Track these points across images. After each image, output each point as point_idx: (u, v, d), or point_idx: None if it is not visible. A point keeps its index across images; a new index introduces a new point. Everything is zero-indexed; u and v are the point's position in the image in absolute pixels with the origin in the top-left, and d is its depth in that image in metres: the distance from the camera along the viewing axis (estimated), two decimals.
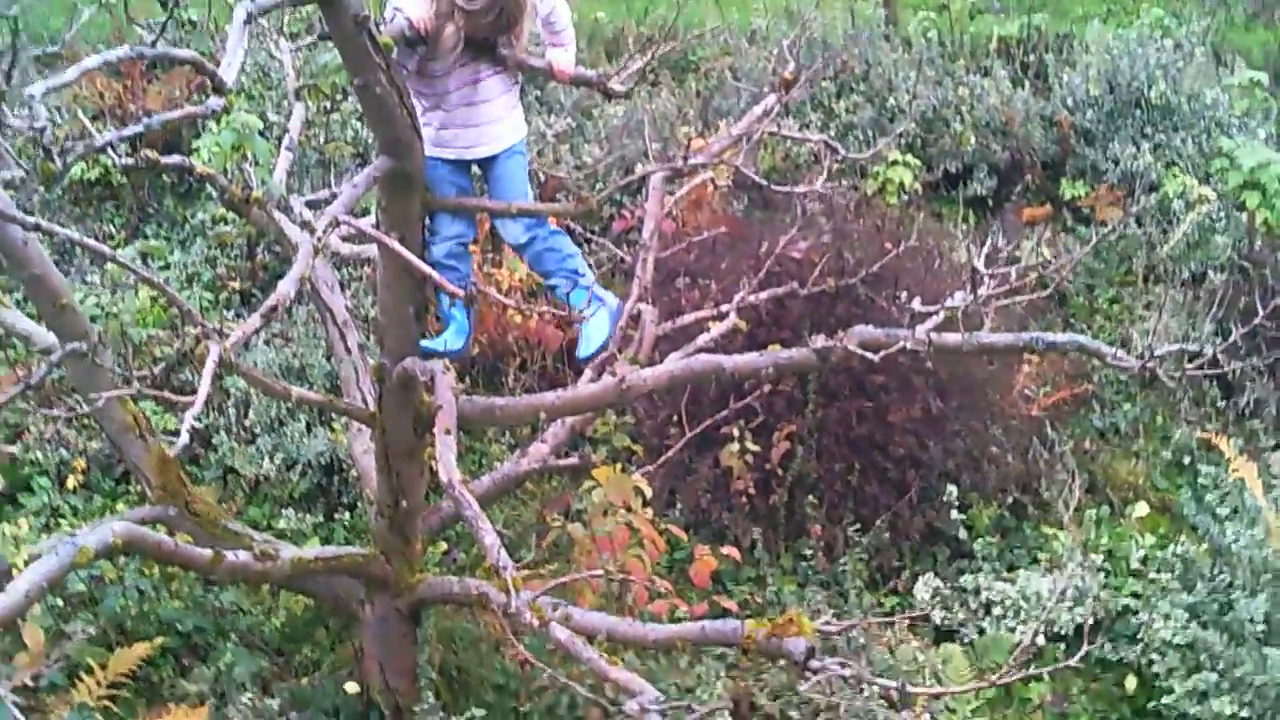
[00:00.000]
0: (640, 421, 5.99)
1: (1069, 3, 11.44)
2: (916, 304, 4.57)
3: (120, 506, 5.53)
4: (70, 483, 5.55)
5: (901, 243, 5.82)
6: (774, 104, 5.82)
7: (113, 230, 7.29)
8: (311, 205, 4.88)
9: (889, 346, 4.30)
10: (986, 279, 4.70)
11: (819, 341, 4.42)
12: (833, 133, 7.92)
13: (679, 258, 6.31)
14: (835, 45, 8.24)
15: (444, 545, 5.69)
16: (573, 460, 4.97)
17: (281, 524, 5.68)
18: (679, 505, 5.90)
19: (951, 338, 4.43)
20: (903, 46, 8.50)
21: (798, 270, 5.87)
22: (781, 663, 4.33)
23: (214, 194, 6.05)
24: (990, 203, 8.08)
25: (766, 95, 5.83)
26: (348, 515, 5.88)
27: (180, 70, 7.96)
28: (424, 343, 4.15)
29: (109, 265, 6.82)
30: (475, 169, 4.28)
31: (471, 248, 4.69)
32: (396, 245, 3.63)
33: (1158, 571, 5.47)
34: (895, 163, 7.82)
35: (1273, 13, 10.30)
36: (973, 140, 8.03)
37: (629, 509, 4.64)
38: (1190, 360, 6.84)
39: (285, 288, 3.31)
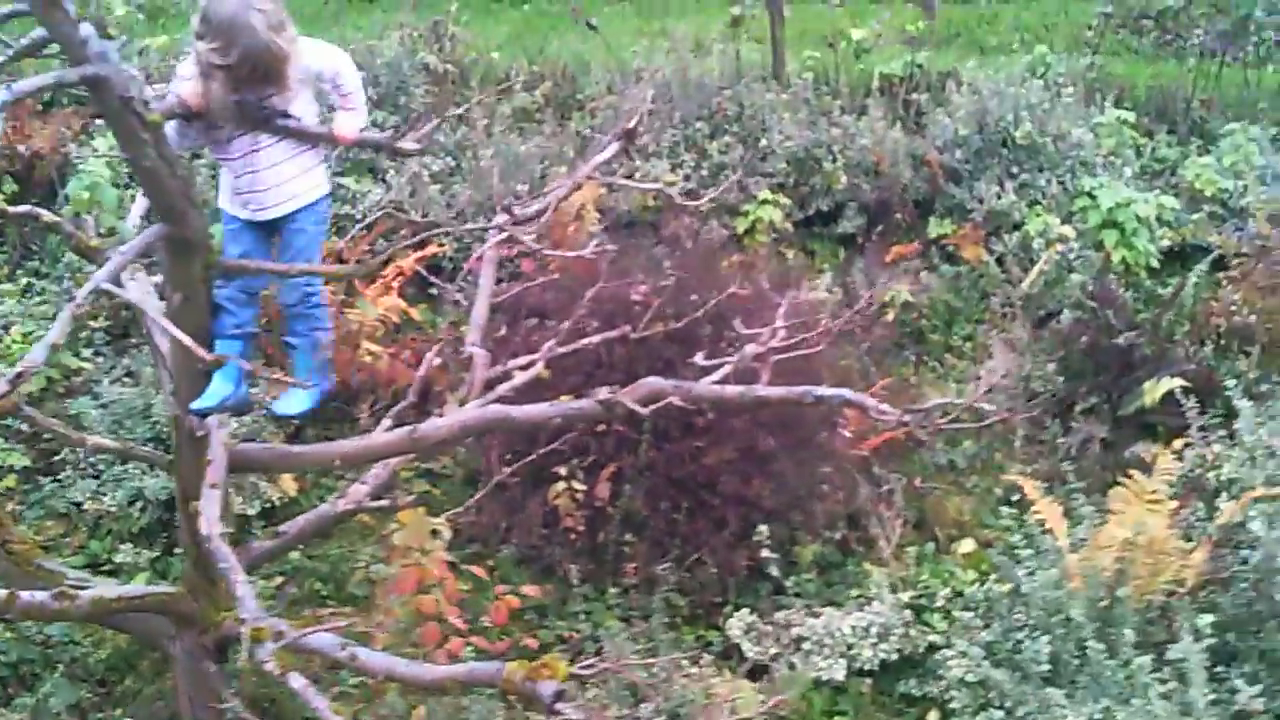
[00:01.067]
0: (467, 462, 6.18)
1: (981, 35, 11.76)
2: (699, 358, 4.79)
3: None
4: None
5: (733, 286, 6.07)
6: (612, 154, 6.05)
7: None
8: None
9: (661, 400, 4.49)
10: (781, 330, 4.94)
11: (602, 394, 4.61)
12: (705, 172, 8.13)
13: (535, 297, 6.53)
14: (711, 87, 8.43)
15: (279, 579, 5.86)
16: (384, 503, 5.14)
17: (119, 558, 5.85)
18: (514, 541, 6.09)
19: (730, 391, 4.62)
20: (781, 88, 8.69)
21: (640, 312, 6.10)
22: None
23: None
24: (860, 240, 8.28)
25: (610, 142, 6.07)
26: None
27: (68, 110, 8.17)
28: (193, 404, 4.22)
29: None
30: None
31: (328, 289, 4.84)
32: (158, 316, 3.79)
33: (963, 610, 5.65)
34: (765, 202, 8.04)
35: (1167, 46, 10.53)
36: (843, 179, 8.24)
37: (424, 551, 4.81)
38: (1030, 400, 7.11)
39: (36, 355, 3.44)
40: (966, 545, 6.26)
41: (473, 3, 11.59)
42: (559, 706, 4.01)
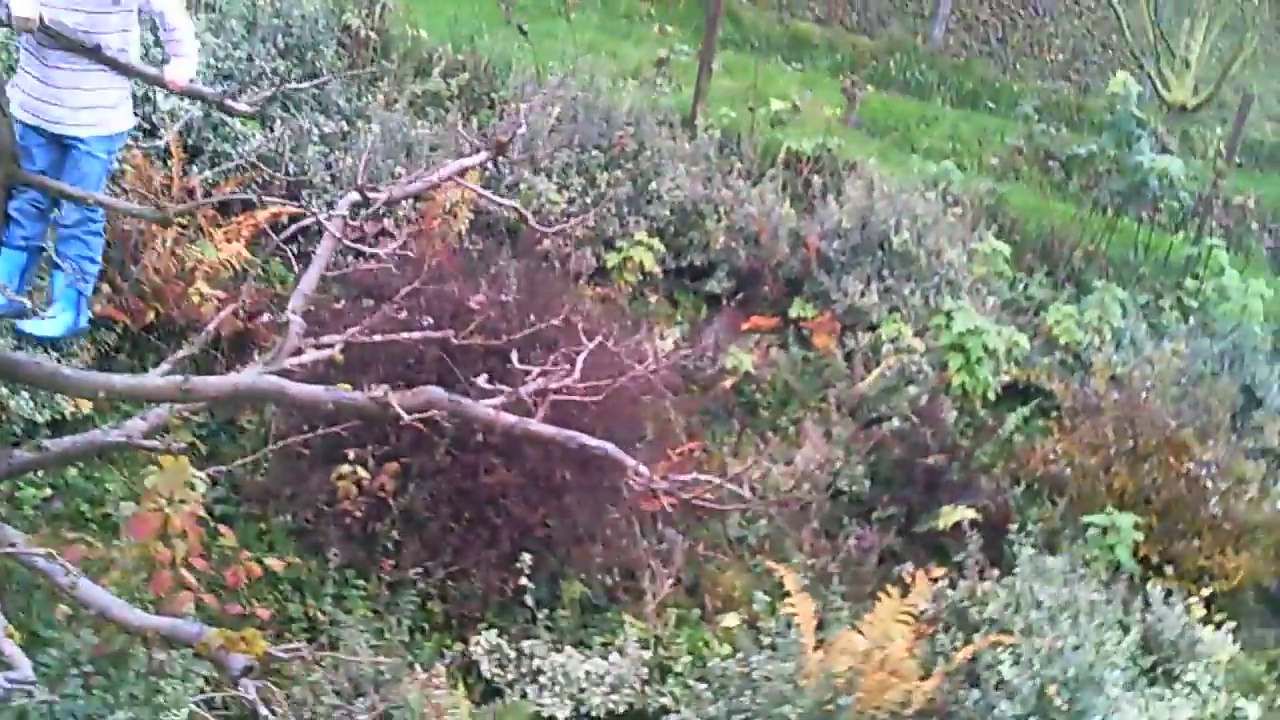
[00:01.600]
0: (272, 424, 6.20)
1: (916, 136, 11.93)
2: (482, 380, 4.87)
3: None
4: None
5: (562, 316, 6.15)
6: (477, 162, 6.13)
7: None
8: None
9: (453, 414, 4.58)
10: (574, 371, 5.03)
11: (377, 391, 4.66)
12: (589, 200, 8.20)
13: (373, 279, 6.56)
14: (619, 120, 8.52)
15: (48, 491, 5.83)
16: (154, 443, 5.13)
17: None
18: (293, 512, 6.11)
19: (506, 418, 4.70)
20: (689, 138, 8.80)
21: (470, 317, 6.18)
22: None
23: None
24: (725, 302, 8.41)
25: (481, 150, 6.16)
26: None
27: None
28: (21, 326, 4.22)
29: None
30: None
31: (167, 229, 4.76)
32: None
33: (699, 680, 5.77)
34: (640, 243, 8.14)
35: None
36: (721, 240, 8.37)
37: (175, 500, 4.82)
38: (833, 497, 7.24)
39: None
40: (731, 619, 6.40)
41: None
42: (243, 681, 4.08)
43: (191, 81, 4.45)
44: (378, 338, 5.58)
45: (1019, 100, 12.13)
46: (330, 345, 5.22)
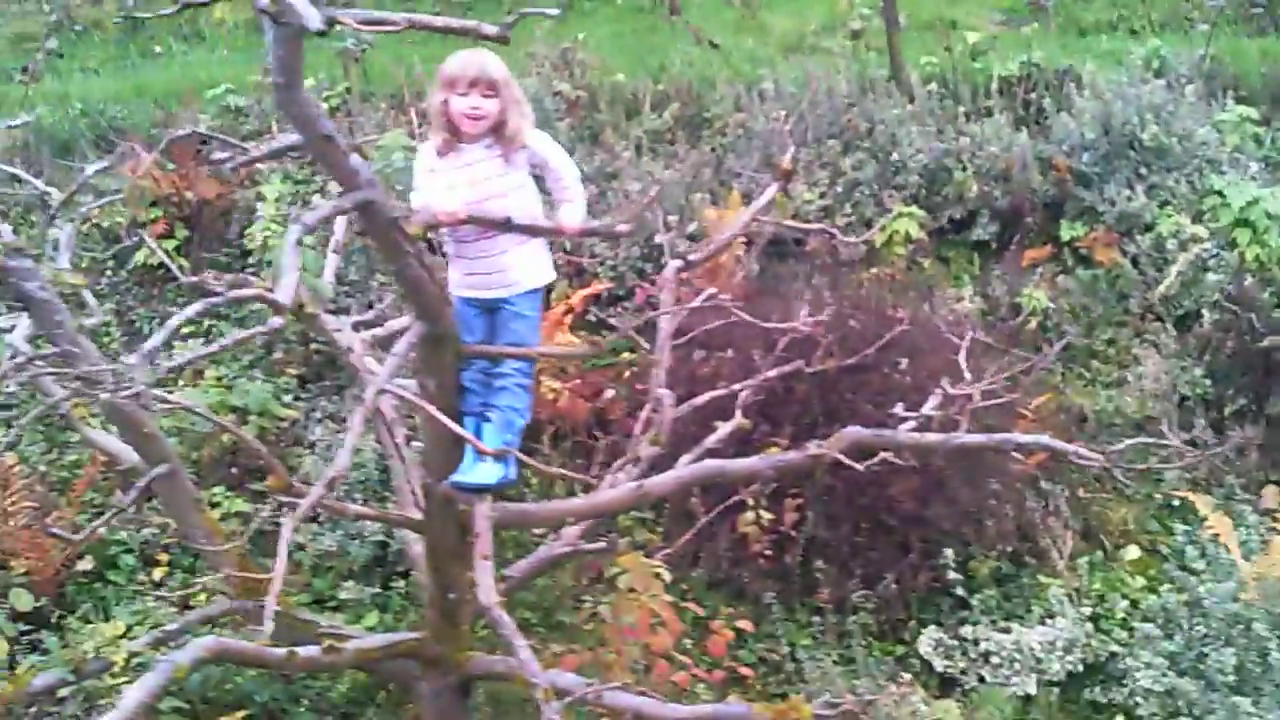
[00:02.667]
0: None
1: (1077, 12, 11.81)
2: (899, 409, 5.10)
3: (200, 595, 6.16)
4: (157, 574, 6.19)
5: (902, 316, 6.36)
6: (774, 193, 6.36)
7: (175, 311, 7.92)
8: (359, 326, 5.47)
9: (873, 450, 4.83)
10: (967, 377, 5.22)
11: (812, 447, 4.94)
12: (839, 189, 8.39)
13: (694, 324, 6.85)
14: (840, 103, 8.67)
15: None
16: (601, 545, 5.50)
17: (343, 594, 6.29)
18: (701, 566, 6.47)
19: (931, 439, 4.93)
20: (906, 98, 8.92)
21: (804, 345, 6.41)
22: None
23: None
24: (994, 246, 8.52)
25: (769, 180, 6.38)
26: (402, 583, 6.47)
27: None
28: (454, 478, 4.56)
29: (177, 348, 7.47)
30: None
31: None
32: (429, 407, 4.17)
33: (1142, 621, 5.96)
34: (900, 215, 8.29)
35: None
36: (974, 187, 8.47)
37: (650, 593, 5.19)
38: (1180, 404, 7.29)
39: (342, 461, 3.84)
40: (1132, 553, 6.56)
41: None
42: None
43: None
44: (735, 387, 5.83)
45: None
46: (732, 397, 5.53)
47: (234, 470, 6.80)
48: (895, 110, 8.69)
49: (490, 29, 3.37)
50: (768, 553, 6.26)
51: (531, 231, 4.63)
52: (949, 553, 6.12)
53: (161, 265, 8.14)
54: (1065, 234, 8.43)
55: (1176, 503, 6.78)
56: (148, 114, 9.46)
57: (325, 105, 8.78)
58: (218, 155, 4.49)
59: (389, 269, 4.18)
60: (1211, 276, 7.87)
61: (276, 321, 3.96)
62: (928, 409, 4.91)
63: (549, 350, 4.75)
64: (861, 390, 6.29)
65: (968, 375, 5.16)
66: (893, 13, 9.49)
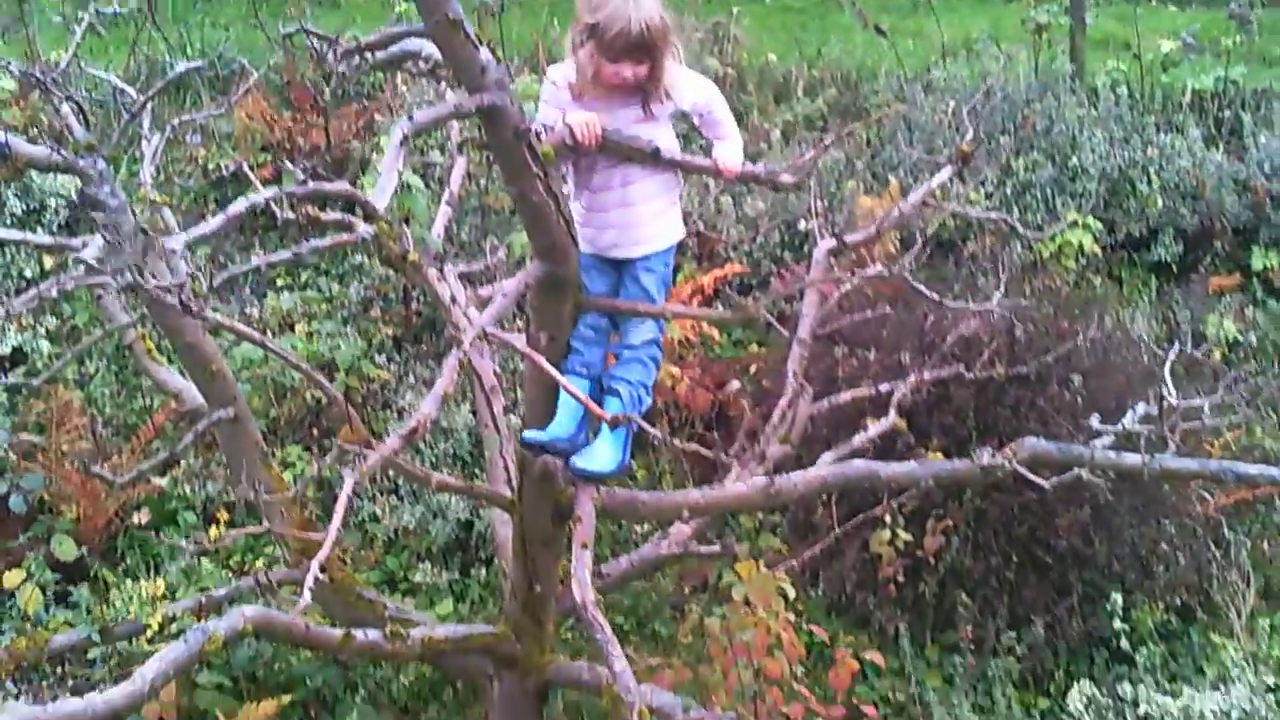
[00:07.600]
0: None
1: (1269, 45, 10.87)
2: (1095, 420, 4.29)
3: (257, 560, 5.55)
4: (213, 533, 5.58)
5: (1079, 329, 5.57)
6: (948, 177, 5.56)
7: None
8: (466, 278, 4.82)
9: (1062, 468, 4.03)
10: (1172, 394, 4.36)
11: (985, 457, 4.16)
12: (1009, 190, 7.59)
13: (836, 320, 6.09)
14: (1017, 99, 7.87)
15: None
16: (715, 548, 4.77)
17: (417, 577, 5.65)
18: (821, 586, 5.69)
19: (1131, 459, 4.12)
20: (1089, 100, 8.08)
21: (964, 349, 5.60)
22: None
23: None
24: (1174, 269, 7.64)
25: (942, 163, 5.58)
26: (483, 571, 5.81)
27: (349, 108, 8.02)
28: (526, 434, 3.89)
29: (269, 300, 6.92)
30: None
31: None
32: (536, 356, 3.49)
33: None
34: (1075, 224, 7.45)
35: None
36: (1159, 203, 7.61)
37: (770, 609, 4.44)
38: None
39: (428, 408, 3.20)
40: None
41: None
42: None
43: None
44: (884, 387, 5.07)
45: None
46: (877, 397, 4.77)
47: (315, 431, 6.20)
48: (1079, 110, 7.84)
49: None
50: (900, 579, 5.45)
51: (684, 167, 3.95)
52: (1117, 599, 5.26)
53: (263, 212, 7.60)
54: (1257, 263, 7.54)
55: None
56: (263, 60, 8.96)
57: None
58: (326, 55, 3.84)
59: (510, 191, 3.49)
60: None
61: (365, 229, 3.30)
62: (1128, 423, 4.10)
63: (688, 311, 4.05)
64: (1027, 406, 5.48)
65: (1172, 392, 4.31)
66: (1080, 10, 8.67)
